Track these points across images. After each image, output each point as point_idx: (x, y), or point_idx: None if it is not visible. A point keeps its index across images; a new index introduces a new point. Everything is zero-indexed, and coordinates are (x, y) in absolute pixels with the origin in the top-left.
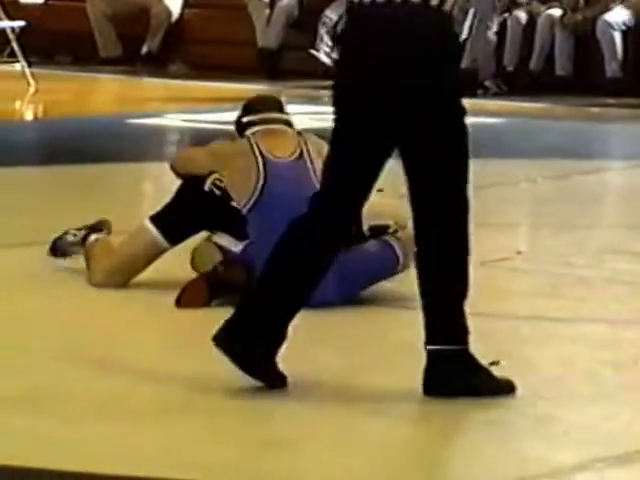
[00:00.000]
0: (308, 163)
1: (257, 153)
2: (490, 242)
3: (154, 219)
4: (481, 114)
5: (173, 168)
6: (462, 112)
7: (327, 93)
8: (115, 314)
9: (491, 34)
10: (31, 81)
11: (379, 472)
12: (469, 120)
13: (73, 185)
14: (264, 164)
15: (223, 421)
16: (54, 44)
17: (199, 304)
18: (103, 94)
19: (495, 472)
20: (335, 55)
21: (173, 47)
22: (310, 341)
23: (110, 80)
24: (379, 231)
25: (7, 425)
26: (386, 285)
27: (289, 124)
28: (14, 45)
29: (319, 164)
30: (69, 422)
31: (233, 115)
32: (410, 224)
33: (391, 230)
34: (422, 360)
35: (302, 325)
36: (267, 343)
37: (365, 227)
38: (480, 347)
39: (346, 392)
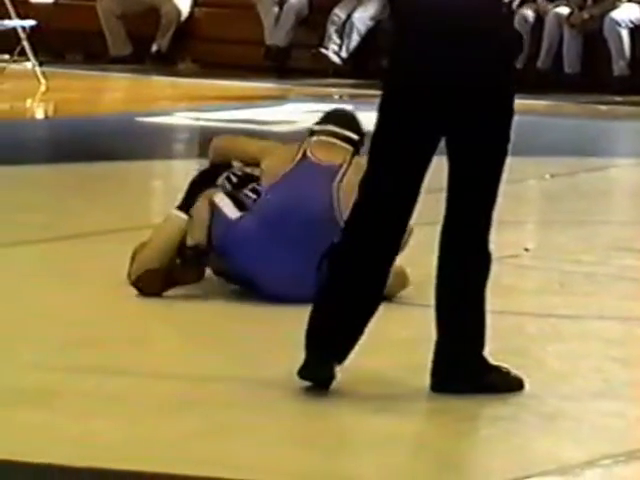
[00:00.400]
0: (341, 171)
1: (301, 152)
2: (498, 239)
3: (179, 207)
4: None
5: (215, 150)
6: (513, 113)
7: (336, 91)
8: (131, 311)
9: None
10: (42, 80)
11: (387, 468)
12: None
13: (83, 183)
14: (300, 160)
15: (235, 416)
16: (64, 43)
17: (153, 292)
18: (113, 92)
19: (503, 468)
20: (344, 53)
21: (182, 46)
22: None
23: (120, 78)
24: None
25: (21, 421)
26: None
27: (352, 142)
28: (25, 44)
29: (353, 175)
30: (81, 418)
31: (242, 113)
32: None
33: None
34: (429, 356)
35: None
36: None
37: None
38: (488, 344)
39: (354, 389)
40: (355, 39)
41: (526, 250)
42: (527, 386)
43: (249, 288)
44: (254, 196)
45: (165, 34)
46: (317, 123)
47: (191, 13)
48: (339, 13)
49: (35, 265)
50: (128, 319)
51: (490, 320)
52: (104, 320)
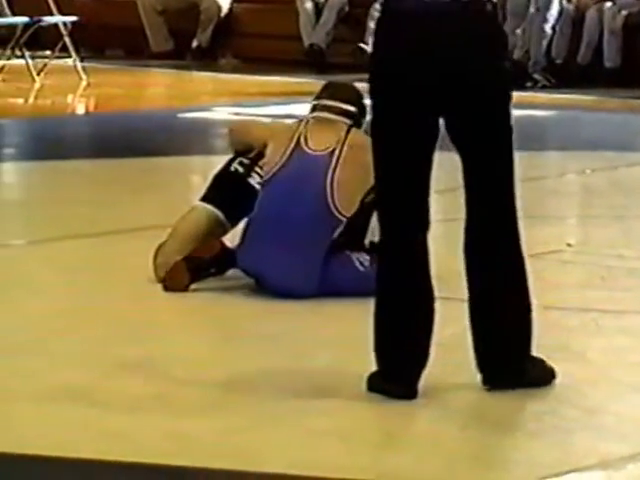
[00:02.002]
0: (333, 161)
1: (295, 139)
2: (539, 234)
3: (203, 199)
4: (529, 107)
5: (232, 136)
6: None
7: None
8: (172, 307)
9: (547, 27)
10: (83, 75)
11: (431, 463)
12: (517, 112)
13: (125, 178)
14: (292, 150)
15: (275, 411)
16: (105, 39)
17: (181, 287)
18: (154, 88)
19: (545, 462)
20: None
21: (223, 41)
22: (358, 330)
23: (161, 74)
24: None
25: (62, 417)
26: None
27: (350, 115)
28: (66, 40)
29: (347, 164)
30: (121, 414)
31: (282, 108)
32: None
33: None
34: (468, 351)
35: (346, 316)
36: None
37: (367, 240)
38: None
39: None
40: None
41: (569, 245)
42: (568, 380)
43: (259, 283)
44: (259, 179)
45: (205, 30)
46: (316, 97)
47: (231, 8)
48: (379, 8)
49: (78, 260)
50: (169, 315)
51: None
52: (146, 316)
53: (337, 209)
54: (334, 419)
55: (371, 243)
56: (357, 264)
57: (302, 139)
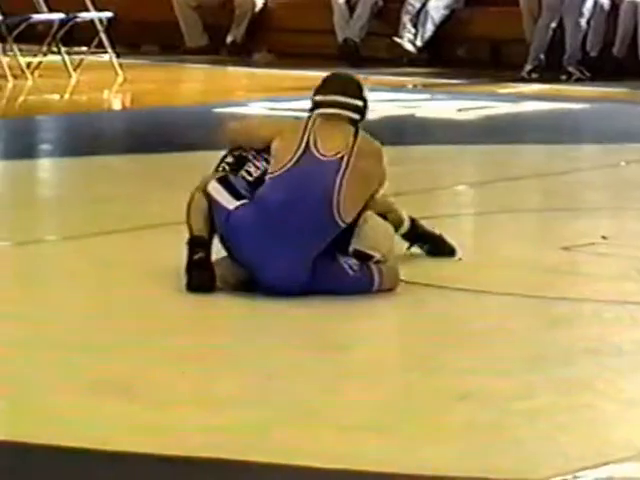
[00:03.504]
0: (342, 168)
1: (305, 140)
2: (574, 227)
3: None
4: (564, 100)
5: (230, 134)
6: None
7: (410, 80)
8: (206, 301)
9: (583, 21)
10: (119, 71)
11: (467, 455)
12: (552, 105)
13: (160, 173)
14: (303, 152)
15: (314, 404)
16: (140, 34)
17: (208, 285)
18: (189, 83)
19: (581, 455)
20: (419, 42)
21: (257, 36)
22: (391, 325)
23: (195, 69)
24: (362, 257)
25: (100, 410)
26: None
27: (358, 111)
28: (102, 36)
29: (354, 172)
30: (160, 407)
31: None
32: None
33: (374, 260)
34: (507, 342)
35: (377, 312)
36: None
37: (351, 248)
38: (565, 331)
39: (432, 375)
40: (430, 28)
41: (604, 238)
42: (604, 373)
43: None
44: (250, 178)
45: (240, 25)
46: (319, 92)
47: (265, 3)
48: (413, 2)
49: (113, 255)
50: (203, 309)
51: (566, 307)
52: (181, 309)
53: (340, 217)
54: (370, 413)
55: (355, 251)
56: (346, 267)
57: (312, 141)
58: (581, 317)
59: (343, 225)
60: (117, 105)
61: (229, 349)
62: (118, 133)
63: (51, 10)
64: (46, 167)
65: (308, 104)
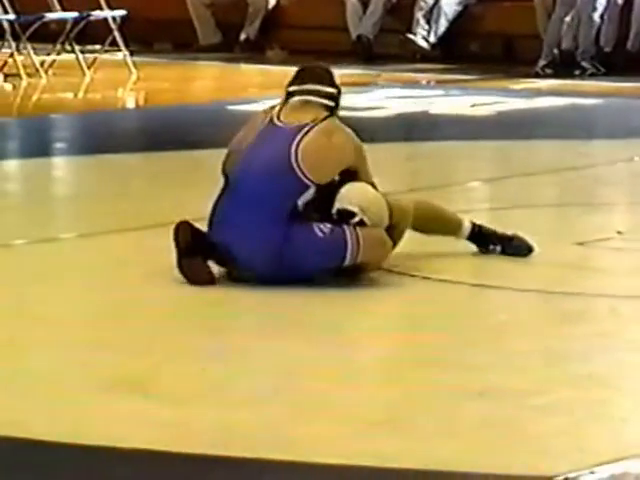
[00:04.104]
0: (302, 132)
1: (267, 119)
2: (589, 222)
3: None
4: (578, 95)
5: None
6: None
7: (424, 77)
8: (216, 297)
9: (596, 16)
10: (132, 69)
11: (483, 451)
12: (566, 101)
13: (174, 171)
14: (266, 125)
15: (327, 401)
16: (153, 32)
17: (206, 279)
18: (202, 81)
19: (597, 450)
20: (432, 38)
21: (271, 33)
22: (407, 319)
23: (209, 67)
24: (344, 216)
25: (118, 407)
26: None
27: (332, 98)
28: (116, 34)
29: (317, 135)
30: (176, 404)
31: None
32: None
33: (356, 219)
34: (523, 337)
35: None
36: None
37: (334, 209)
38: (581, 327)
39: (448, 371)
40: (443, 24)
41: (619, 233)
42: (622, 368)
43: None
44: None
45: (253, 22)
46: (292, 83)
47: (278, 1)
48: None
49: (129, 253)
50: (220, 306)
51: (582, 302)
52: (196, 307)
53: (301, 170)
54: (386, 409)
55: (338, 211)
56: (317, 231)
57: (275, 117)
58: (597, 312)
59: (310, 183)
60: (131, 103)
61: (244, 345)
62: (132, 131)
63: (64, 9)
64: (60, 165)
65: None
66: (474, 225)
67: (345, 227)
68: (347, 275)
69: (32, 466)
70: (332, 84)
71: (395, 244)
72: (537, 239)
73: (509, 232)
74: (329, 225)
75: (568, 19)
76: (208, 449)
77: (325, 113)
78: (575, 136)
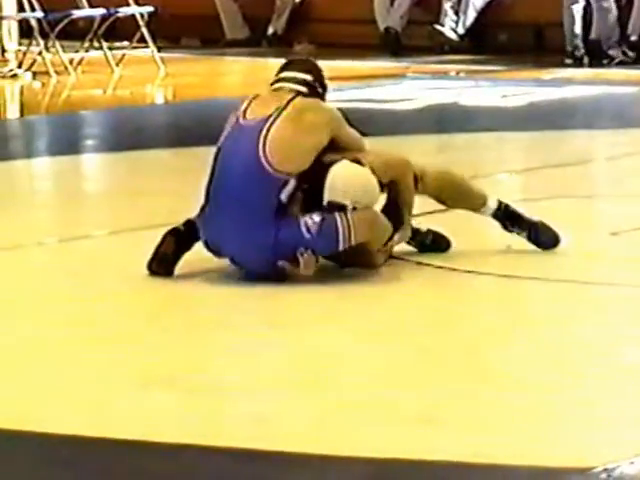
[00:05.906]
0: (267, 124)
1: (234, 118)
2: (621, 212)
3: None
4: (607, 83)
5: None
6: None
7: (453, 68)
8: (244, 292)
9: (606, 3)
10: (160, 65)
11: (521, 443)
12: (596, 90)
13: (204, 167)
14: (233, 125)
15: (366, 395)
16: (180, 28)
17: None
18: (231, 76)
19: (636, 441)
20: (460, 29)
21: (298, 27)
22: (439, 311)
23: (237, 62)
24: (335, 208)
25: (151, 402)
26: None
27: (305, 84)
28: (144, 30)
29: (285, 122)
30: (211, 398)
31: (359, 92)
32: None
33: (348, 208)
34: (557, 329)
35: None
36: None
37: (325, 201)
38: (615, 316)
39: (482, 363)
40: (471, 15)
41: None
42: None
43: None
44: None
45: (280, 16)
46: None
47: None
48: None
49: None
50: (250, 300)
51: (616, 292)
52: (227, 302)
53: (273, 167)
54: (421, 402)
55: (328, 203)
56: (307, 226)
57: (241, 116)
58: (631, 302)
59: (283, 175)
60: (160, 99)
61: (274, 340)
62: (162, 127)
63: (92, 6)
64: (91, 162)
65: (350, 94)
66: (500, 203)
67: (336, 214)
68: (351, 261)
69: (65, 461)
70: (306, 70)
71: (406, 200)
72: (570, 230)
73: (535, 218)
74: (318, 217)
75: (576, 7)
76: (242, 443)
77: (291, 95)
78: (606, 126)
